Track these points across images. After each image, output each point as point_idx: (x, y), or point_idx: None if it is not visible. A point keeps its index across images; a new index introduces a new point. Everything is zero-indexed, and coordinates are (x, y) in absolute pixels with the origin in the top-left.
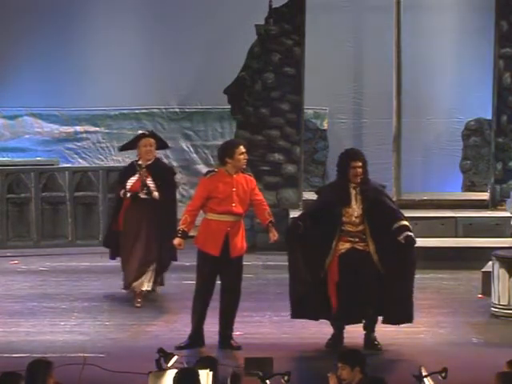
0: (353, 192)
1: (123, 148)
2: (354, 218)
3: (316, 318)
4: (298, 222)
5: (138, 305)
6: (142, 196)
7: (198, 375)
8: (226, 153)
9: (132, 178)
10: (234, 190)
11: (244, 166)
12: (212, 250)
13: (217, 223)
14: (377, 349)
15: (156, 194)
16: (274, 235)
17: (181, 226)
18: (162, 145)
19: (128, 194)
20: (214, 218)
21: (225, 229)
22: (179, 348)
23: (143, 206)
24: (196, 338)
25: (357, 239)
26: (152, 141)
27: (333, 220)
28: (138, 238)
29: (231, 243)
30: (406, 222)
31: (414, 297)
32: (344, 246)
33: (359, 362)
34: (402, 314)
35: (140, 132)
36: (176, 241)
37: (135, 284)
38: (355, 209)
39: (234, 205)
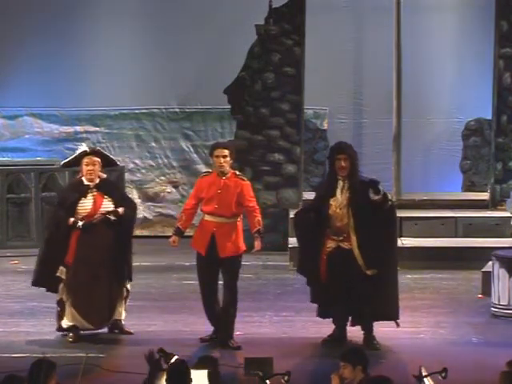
0: (340, 184)
1: (66, 164)
2: (338, 210)
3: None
4: (301, 213)
5: (117, 331)
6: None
7: (187, 368)
8: (209, 153)
9: (84, 203)
10: (219, 191)
11: (222, 169)
12: (199, 249)
13: (205, 223)
14: (375, 348)
15: (120, 209)
16: (257, 245)
17: (176, 224)
18: (109, 163)
19: (80, 224)
20: (204, 218)
21: (211, 229)
22: (203, 341)
23: (98, 231)
24: (218, 332)
25: (341, 237)
26: (95, 159)
27: (322, 214)
28: (100, 269)
29: (218, 244)
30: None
31: (400, 296)
32: (330, 245)
33: (361, 361)
34: (388, 311)
35: (83, 149)
36: (171, 238)
37: (114, 318)
38: (339, 200)
39: (216, 206)
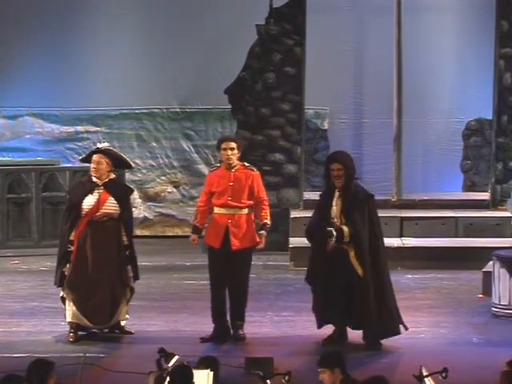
0: (336, 194)
1: (82, 160)
2: (335, 220)
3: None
4: (312, 225)
5: (117, 331)
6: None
7: (191, 371)
8: (216, 147)
9: (89, 199)
10: (231, 184)
11: (229, 162)
12: (213, 242)
13: (218, 216)
14: (376, 348)
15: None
16: (260, 243)
17: (193, 222)
18: (121, 163)
19: (70, 248)
20: (217, 211)
21: (225, 221)
22: (204, 340)
23: (101, 229)
24: (219, 332)
25: None
26: (102, 159)
27: (325, 222)
28: (102, 267)
29: (231, 236)
30: (345, 229)
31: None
32: (332, 245)
33: (338, 363)
34: (384, 327)
35: (100, 145)
36: (190, 237)
37: (115, 319)
38: (334, 211)
39: (229, 198)
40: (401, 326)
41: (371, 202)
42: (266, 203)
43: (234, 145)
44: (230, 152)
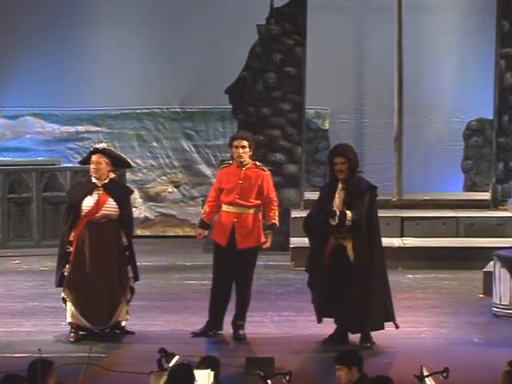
0: (339, 187)
1: (81, 162)
2: (337, 212)
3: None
4: (310, 217)
5: (118, 331)
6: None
7: (192, 371)
8: (228, 144)
9: (88, 201)
10: (240, 182)
11: (240, 160)
12: (219, 240)
13: (225, 214)
14: (365, 348)
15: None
16: (266, 243)
17: (200, 216)
18: (120, 163)
19: (69, 248)
20: (224, 208)
21: (232, 220)
22: (195, 335)
23: (100, 230)
24: (212, 325)
25: (342, 235)
26: (101, 159)
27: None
28: (100, 268)
29: (237, 234)
30: (349, 213)
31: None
32: (332, 241)
33: (356, 362)
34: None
35: (98, 146)
36: (197, 231)
37: (115, 319)
38: (337, 202)
39: (237, 197)
40: (393, 323)
41: (373, 193)
42: (276, 204)
43: (245, 143)
44: (241, 150)
